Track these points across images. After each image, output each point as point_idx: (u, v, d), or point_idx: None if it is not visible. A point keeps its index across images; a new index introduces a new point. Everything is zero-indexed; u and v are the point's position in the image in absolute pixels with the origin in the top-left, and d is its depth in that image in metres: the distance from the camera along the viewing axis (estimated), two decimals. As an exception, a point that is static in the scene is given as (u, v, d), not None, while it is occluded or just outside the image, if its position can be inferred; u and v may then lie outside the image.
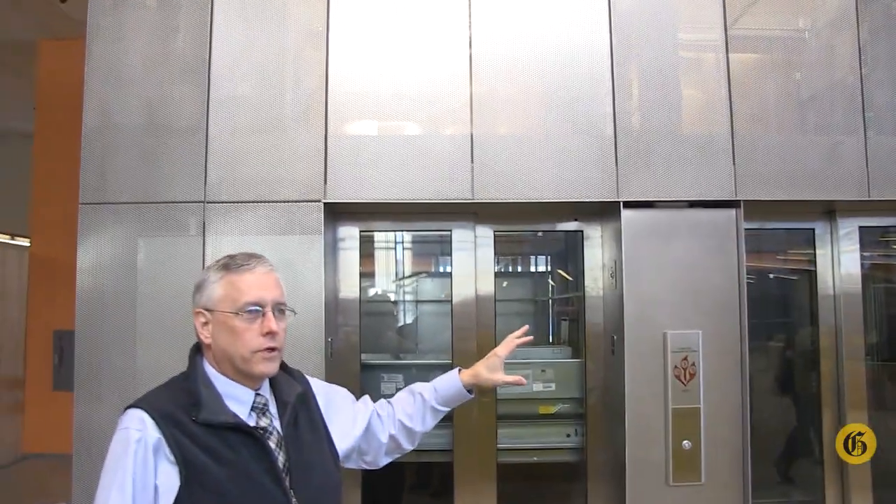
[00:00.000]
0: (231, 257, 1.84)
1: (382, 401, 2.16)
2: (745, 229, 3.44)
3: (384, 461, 2.14)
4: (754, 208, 3.48)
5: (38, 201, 8.36)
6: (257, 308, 1.77)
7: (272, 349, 1.78)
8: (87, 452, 3.21)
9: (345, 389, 2.13)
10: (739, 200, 3.44)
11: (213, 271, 1.83)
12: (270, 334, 1.77)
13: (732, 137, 3.50)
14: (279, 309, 1.82)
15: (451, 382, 2.14)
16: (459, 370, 2.17)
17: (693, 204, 3.46)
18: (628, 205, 3.42)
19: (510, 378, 2.16)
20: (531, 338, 2.24)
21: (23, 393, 8.43)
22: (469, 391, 2.14)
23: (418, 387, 2.17)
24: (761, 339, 4.00)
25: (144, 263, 3.36)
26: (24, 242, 9.15)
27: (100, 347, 3.30)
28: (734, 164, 3.48)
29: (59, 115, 7.51)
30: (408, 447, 2.14)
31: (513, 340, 2.20)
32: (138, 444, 1.64)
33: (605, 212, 3.67)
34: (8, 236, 10.10)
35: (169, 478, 1.64)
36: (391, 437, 2.10)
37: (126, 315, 3.32)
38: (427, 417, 2.13)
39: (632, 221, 3.41)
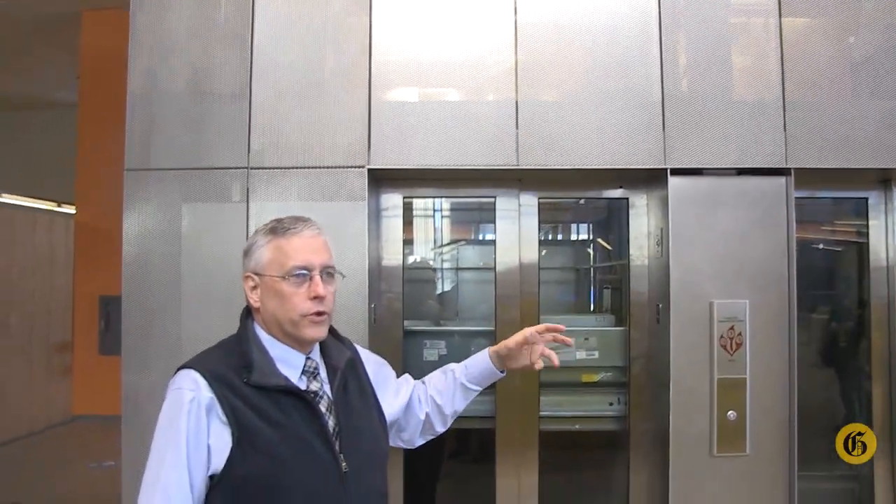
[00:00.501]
0: (279, 221, 1.83)
1: (417, 381, 2.17)
2: (795, 198, 3.34)
3: (419, 441, 2.15)
4: (805, 176, 3.37)
5: (83, 169, 8.52)
6: (305, 272, 1.77)
7: (320, 313, 1.77)
8: (135, 415, 3.26)
9: (387, 362, 2.13)
10: (790, 168, 3.34)
11: (261, 235, 1.83)
12: (318, 298, 1.76)
13: (784, 103, 3.38)
14: (327, 272, 1.81)
15: (480, 358, 2.11)
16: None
17: (742, 171, 3.37)
18: (676, 172, 3.34)
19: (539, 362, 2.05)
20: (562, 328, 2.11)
21: (71, 356, 8.67)
22: (501, 371, 2.10)
23: (450, 365, 2.17)
24: (807, 311, 3.91)
25: (188, 229, 3.38)
26: (70, 210, 9.32)
27: (145, 313, 3.34)
28: (785, 130, 3.37)
29: (102, 84, 7.61)
30: (439, 429, 2.14)
31: (544, 326, 2.08)
32: (191, 403, 1.66)
33: (651, 179, 3.60)
34: (54, 204, 10.29)
35: (221, 438, 1.65)
36: (427, 415, 2.11)
37: (171, 280, 3.35)
38: (457, 396, 2.11)
39: (679, 189, 3.34)
